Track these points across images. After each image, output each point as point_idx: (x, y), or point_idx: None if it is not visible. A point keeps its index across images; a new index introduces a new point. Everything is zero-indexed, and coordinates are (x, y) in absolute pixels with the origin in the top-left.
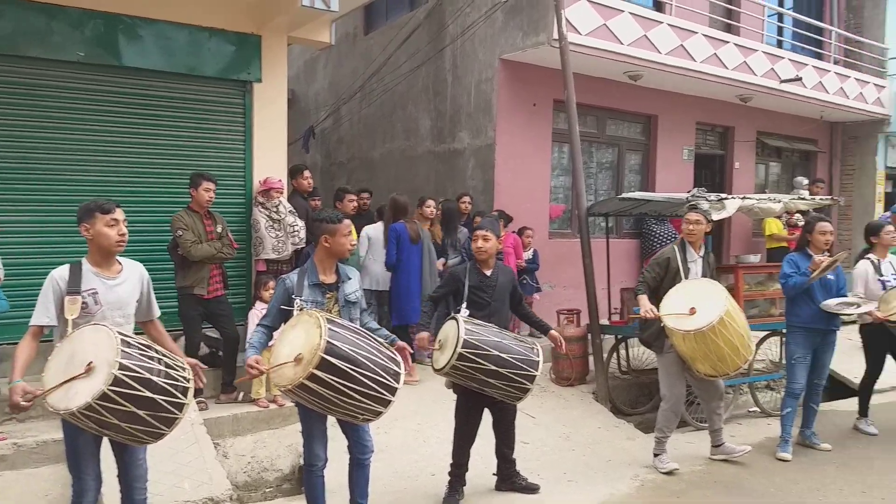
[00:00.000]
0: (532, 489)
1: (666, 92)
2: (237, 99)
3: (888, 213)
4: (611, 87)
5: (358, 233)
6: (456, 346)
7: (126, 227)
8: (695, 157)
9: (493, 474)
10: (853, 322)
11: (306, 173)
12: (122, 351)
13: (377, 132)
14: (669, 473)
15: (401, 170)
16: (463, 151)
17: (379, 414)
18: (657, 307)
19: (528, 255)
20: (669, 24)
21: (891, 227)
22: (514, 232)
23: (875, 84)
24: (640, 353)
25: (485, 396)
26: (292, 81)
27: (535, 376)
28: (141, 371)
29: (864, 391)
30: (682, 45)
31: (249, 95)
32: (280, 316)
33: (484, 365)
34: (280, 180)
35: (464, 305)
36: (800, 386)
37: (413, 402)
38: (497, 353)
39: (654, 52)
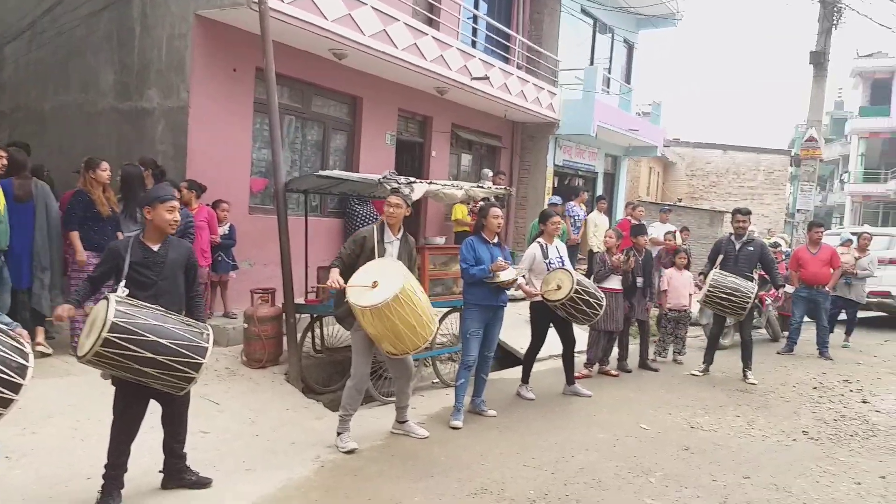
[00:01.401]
0: (203, 483)
1: (371, 75)
2: None
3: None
4: (317, 63)
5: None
6: (101, 331)
7: None
8: (397, 142)
9: (160, 471)
10: (523, 299)
11: None
12: None
13: (49, 81)
14: (349, 453)
15: (77, 126)
16: (152, 112)
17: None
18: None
19: (223, 229)
20: (373, 7)
21: (557, 218)
22: (207, 204)
23: (549, 91)
24: (335, 332)
25: (149, 387)
26: None
27: (201, 364)
28: None
29: (528, 361)
30: (384, 29)
31: None
32: None
33: (137, 352)
34: None
35: (122, 284)
36: (473, 358)
37: (71, 396)
38: (154, 338)
39: (358, 33)
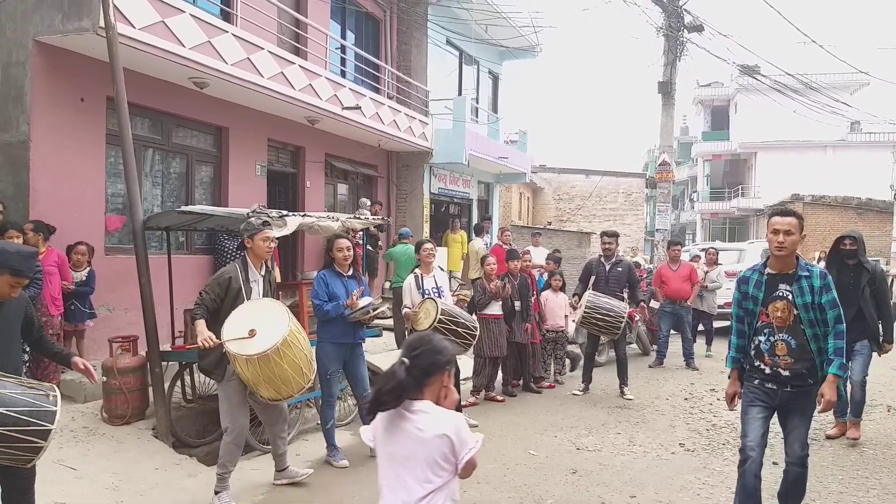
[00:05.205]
0: None
1: (236, 105)
2: None
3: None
4: (177, 92)
5: None
6: None
7: None
8: (269, 173)
9: None
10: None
11: None
12: None
13: None
14: None
15: None
16: None
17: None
18: (218, 331)
19: (81, 275)
20: (235, 35)
21: (429, 245)
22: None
23: (420, 120)
24: (207, 379)
25: None
26: None
27: (49, 431)
28: None
29: None
30: (248, 58)
31: None
32: None
33: None
34: None
35: None
36: (335, 398)
37: None
38: None
39: (220, 62)
